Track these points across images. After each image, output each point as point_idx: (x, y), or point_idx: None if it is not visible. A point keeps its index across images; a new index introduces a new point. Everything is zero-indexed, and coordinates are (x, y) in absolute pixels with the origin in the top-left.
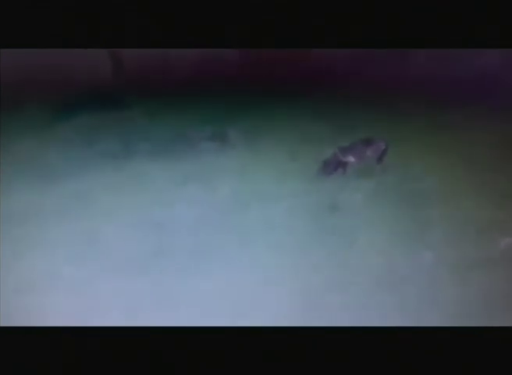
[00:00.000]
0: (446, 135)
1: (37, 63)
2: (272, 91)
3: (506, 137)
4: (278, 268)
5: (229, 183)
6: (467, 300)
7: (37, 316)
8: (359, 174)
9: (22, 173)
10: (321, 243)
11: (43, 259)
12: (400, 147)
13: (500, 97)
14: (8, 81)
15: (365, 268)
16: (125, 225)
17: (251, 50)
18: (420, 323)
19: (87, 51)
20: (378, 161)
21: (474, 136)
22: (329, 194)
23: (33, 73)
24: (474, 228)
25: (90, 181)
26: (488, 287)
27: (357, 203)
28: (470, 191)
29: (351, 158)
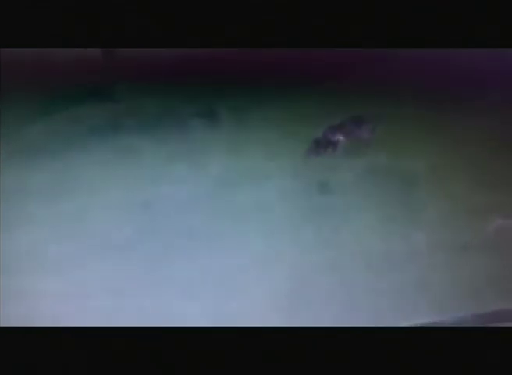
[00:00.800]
0: (438, 118)
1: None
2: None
3: (501, 123)
4: (267, 248)
5: (217, 162)
6: (458, 282)
7: (20, 298)
8: (349, 153)
9: (5, 150)
10: (311, 223)
11: (27, 238)
12: (391, 125)
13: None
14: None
15: (356, 249)
16: (111, 204)
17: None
18: (410, 306)
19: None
20: (368, 141)
21: (467, 119)
22: (320, 173)
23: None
24: (466, 210)
25: (76, 158)
26: (480, 269)
27: (347, 183)
28: (461, 174)
29: (341, 137)
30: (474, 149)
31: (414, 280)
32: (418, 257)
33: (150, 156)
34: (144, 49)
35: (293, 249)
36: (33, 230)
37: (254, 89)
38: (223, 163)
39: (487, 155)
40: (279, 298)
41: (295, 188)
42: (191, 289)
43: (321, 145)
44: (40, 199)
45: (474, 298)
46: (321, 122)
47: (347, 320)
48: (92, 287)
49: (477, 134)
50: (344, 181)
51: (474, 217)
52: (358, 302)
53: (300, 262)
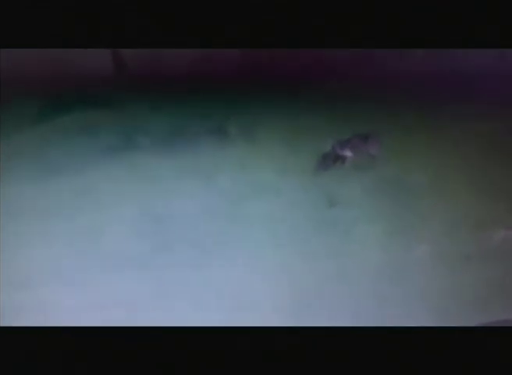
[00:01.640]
0: (442, 131)
1: (37, 59)
2: (271, 85)
3: (499, 133)
4: (277, 261)
5: (228, 178)
6: (462, 293)
7: (37, 311)
8: (357, 168)
9: (21, 167)
10: (319, 234)
11: (42, 254)
12: (396, 141)
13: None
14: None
15: (363, 261)
16: (125, 219)
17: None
18: (414, 316)
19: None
20: (375, 156)
21: (468, 132)
22: (328, 187)
23: (33, 68)
24: (470, 222)
25: (90, 175)
26: (483, 279)
27: (355, 197)
28: (465, 186)
29: (349, 153)
30: (477, 161)
31: (419, 289)
32: (423, 267)
33: (162, 172)
34: (157, 69)
35: (302, 260)
36: (49, 245)
37: (264, 105)
38: (234, 178)
39: (491, 167)
40: (289, 308)
41: (304, 201)
42: (204, 301)
43: (330, 160)
44: (55, 215)
45: (479, 308)
46: (330, 137)
47: None
48: (106, 300)
49: (480, 146)
50: (351, 194)
51: (478, 228)
52: (365, 311)
53: (308, 273)
